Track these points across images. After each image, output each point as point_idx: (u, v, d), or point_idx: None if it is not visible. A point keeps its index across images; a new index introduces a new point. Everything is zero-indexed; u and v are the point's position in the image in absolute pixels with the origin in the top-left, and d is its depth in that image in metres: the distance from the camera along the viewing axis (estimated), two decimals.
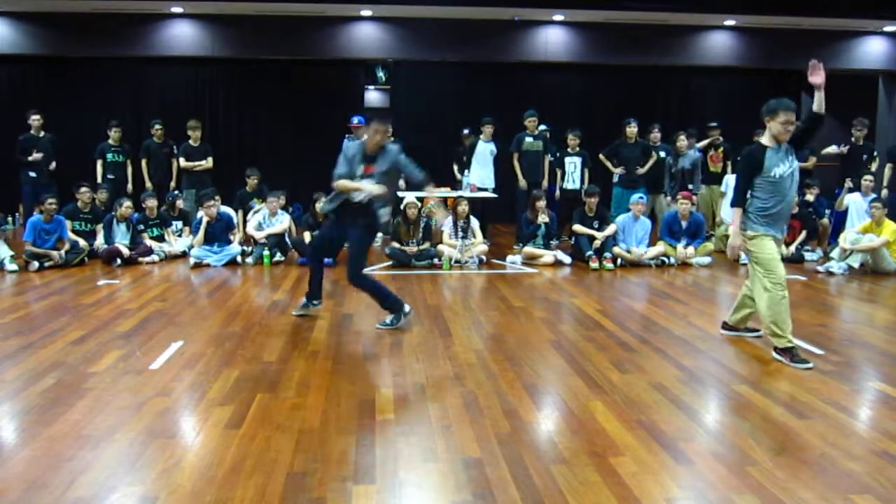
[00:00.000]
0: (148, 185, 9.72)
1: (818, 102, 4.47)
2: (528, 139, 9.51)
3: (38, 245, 7.70)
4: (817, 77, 4.38)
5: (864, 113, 10.42)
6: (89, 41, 11.24)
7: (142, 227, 8.44)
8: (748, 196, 4.61)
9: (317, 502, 2.67)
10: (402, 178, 5.68)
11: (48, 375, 4.09)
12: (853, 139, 9.80)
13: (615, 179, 9.64)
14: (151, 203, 8.66)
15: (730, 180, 9.40)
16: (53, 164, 9.62)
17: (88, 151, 10.00)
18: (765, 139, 4.57)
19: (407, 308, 5.31)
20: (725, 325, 5.15)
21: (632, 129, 9.45)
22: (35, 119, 9.55)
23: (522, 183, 9.46)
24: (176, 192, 9.33)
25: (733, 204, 4.67)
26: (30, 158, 9.40)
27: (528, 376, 4.16)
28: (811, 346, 4.78)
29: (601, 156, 9.67)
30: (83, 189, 8.55)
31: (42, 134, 9.61)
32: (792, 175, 4.54)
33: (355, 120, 9.31)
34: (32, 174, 9.49)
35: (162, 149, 9.93)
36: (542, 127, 10.15)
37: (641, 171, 9.43)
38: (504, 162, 9.86)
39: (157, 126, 9.91)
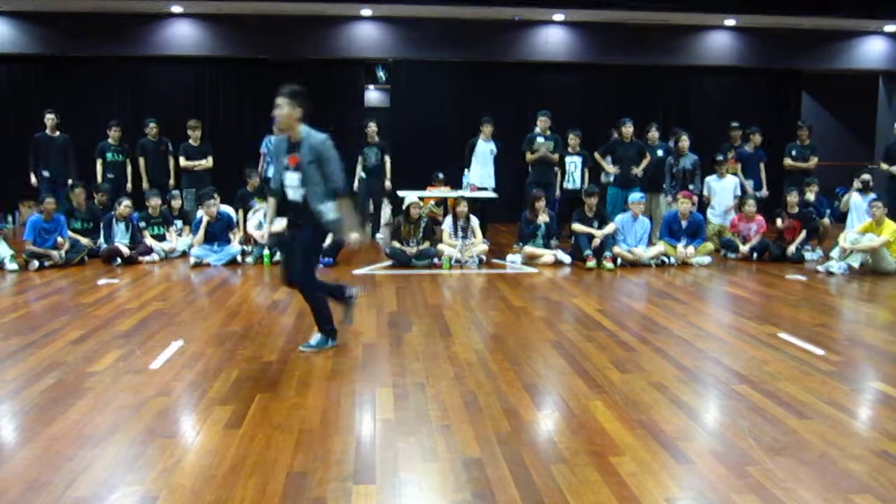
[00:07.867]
0: (145, 184, 9.71)
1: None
2: (540, 139, 9.46)
3: (38, 244, 7.70)
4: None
5: (865, 113, 10.39)
6: (89, 41, 11.23)
7: (144, 224, 8.45)
8: None
9: (317, 502, 2.67)
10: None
11: (48, 375, 4.09)
12: None
13: (610, 179, 9.60)
14: (155, 202, 8.66)
15: (720, 184, 9.38)
16: (70, 181, 9.30)
17: (88, 151, 10.00)
18: None
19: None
20: None
21: (627, 129, 9.42)
22: (49, 118, 9.50)
23: (543, 150, 9.27)
24: (175, 191, 9.32)
25: None
26: (44, 174, 9.38)
27: (528, 376, 4.16)
28: (811, 346, 4.78)
29: (596, 155, 9.65)
30: (77, 190, 8.56)
31: (56, 134, 9.57)
32: None
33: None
34: (46, 174, 9.43)
35: (158, 147, 9.90)
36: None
37: (637, 170, 9.41)
38: (504, 161, 9.84)
39: (152, 124, 9.87)
